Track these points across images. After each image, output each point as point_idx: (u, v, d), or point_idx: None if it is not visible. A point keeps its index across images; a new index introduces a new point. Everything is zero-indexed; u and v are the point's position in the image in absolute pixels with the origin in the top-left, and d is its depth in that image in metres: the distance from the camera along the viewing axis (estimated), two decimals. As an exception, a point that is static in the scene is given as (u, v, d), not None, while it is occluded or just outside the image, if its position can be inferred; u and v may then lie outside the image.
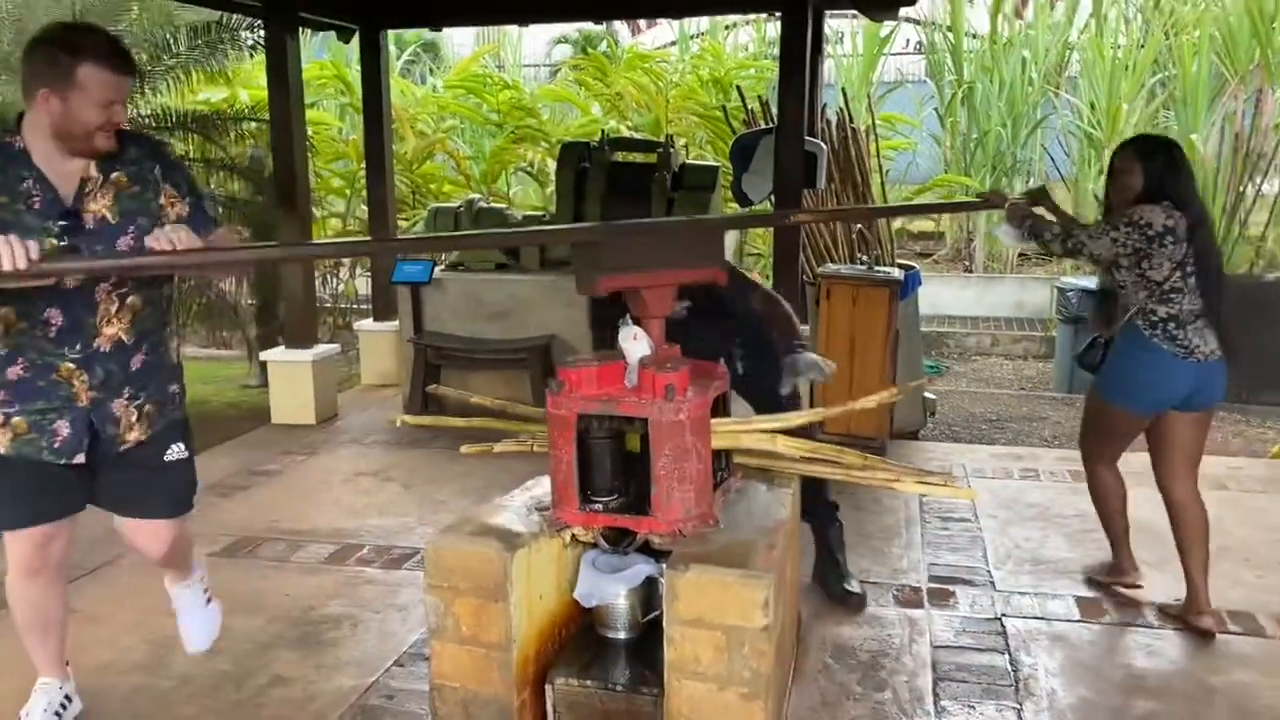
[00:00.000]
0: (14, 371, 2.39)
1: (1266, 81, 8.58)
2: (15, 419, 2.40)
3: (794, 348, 3.18)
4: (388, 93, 6.84)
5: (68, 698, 2.77)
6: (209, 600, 3.02)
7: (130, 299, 2.44)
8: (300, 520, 4.39)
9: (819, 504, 3.53)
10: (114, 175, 2.40)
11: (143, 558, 2.78)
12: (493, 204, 6.92)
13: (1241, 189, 8.38)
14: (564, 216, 6.14)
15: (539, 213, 7.03)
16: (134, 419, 2.50)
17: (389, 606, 3.55)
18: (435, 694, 2.53)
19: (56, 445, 2.43)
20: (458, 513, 3.29)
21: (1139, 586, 3.66)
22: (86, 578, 3.71)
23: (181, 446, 2.64)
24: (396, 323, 6.42)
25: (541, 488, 2.74)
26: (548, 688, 2.48)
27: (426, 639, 2.62)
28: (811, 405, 4.49)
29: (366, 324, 7.10)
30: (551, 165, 8.39)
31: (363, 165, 7.57)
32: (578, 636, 2.67)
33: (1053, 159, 11.40)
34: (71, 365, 2.41)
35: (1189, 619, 3.37)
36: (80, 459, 2.46)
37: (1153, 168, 3.27)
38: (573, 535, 2.58)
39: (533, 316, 5.93)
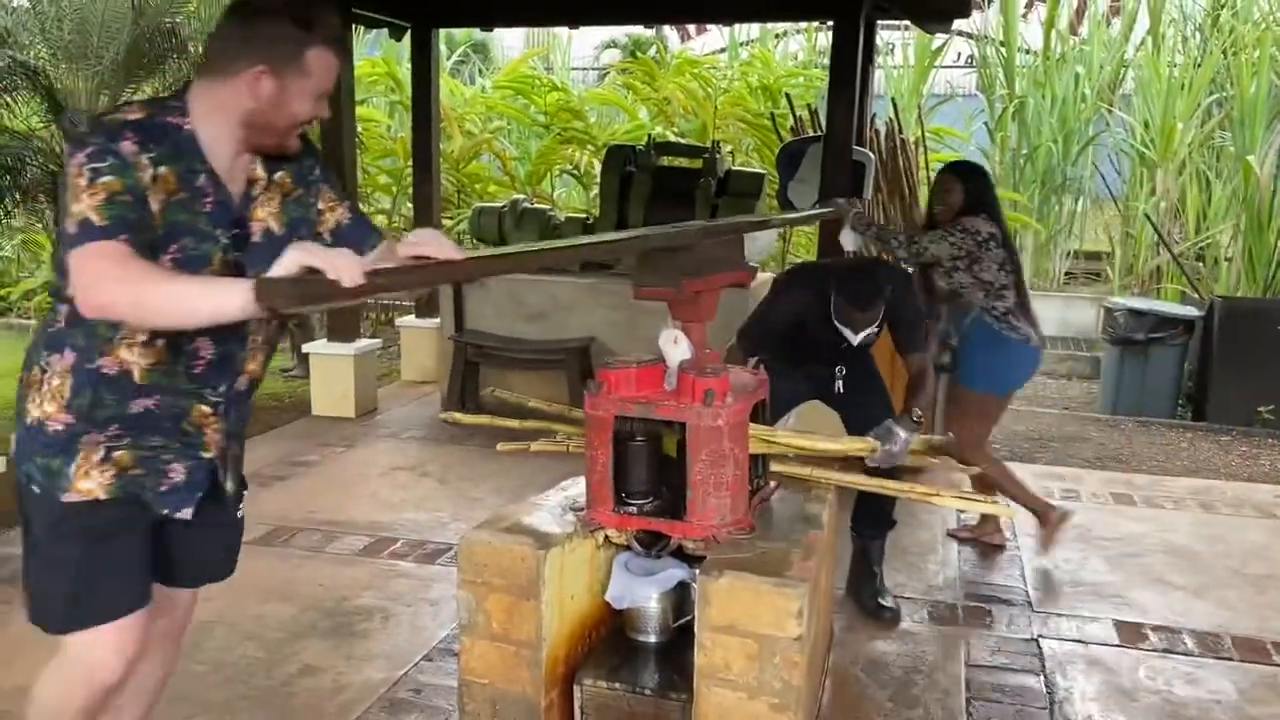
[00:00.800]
0: (141, 404, 1.85)
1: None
2: (118, 452, 1.85)
3: (906, 416, 3.11)
4: (437, 92, 6.88)
5: None
6: None
7: (272, 325, 2.00)
8: (336, 511, 4.42)
9: (880, 518, 3.51)
10: (278, 176, 1.95)
11: (164, 642, 2.16)
12: (536, 205, 6.95)
13: (1300, 212, 8.23)
14: (608, 220, 6.15)
15: (582, 215, 7.04)
16: (231, 469, 2.05)
17: (421, 601, 3.56)
18: (463, 690, 2.53)
19: (164, 490, 1.91)
20: (492, 510, 3.30)
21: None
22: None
23: (245, 495, 2.17)
24: (438, 320, 6.46)
25: (577, 488, 2.74)
26: (576, 689, 2.48)
27: (457, 635, 2.62)
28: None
29: (408, 320, 7.16)
30: (597, 168, 8.41)
31: (410, 163, 7.63)
32: (608, 639, 2.66)
33: (1103, 177, 11.24)
34: (208, 409, 1.93)
35: (1048, 531, 3.99)
36: (186, 514, 1.94)
37: (971, 187, 3.86)
38: (606, 536, 2.58)
39: (573, 318, 5.94)
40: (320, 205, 2.03)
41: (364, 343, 6.21)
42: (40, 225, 7.45)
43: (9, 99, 6.05)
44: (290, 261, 1.57)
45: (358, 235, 2.04)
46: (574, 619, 2.57)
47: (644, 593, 2.54)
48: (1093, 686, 3.10)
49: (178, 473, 1.91)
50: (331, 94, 1.93)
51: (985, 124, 11.47)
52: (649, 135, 7.43)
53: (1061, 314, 9.97)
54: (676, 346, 2.50)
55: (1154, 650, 3.33)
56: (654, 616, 2.57)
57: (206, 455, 1.95)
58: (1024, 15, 12.17)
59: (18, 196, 6.08)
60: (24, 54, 6.08)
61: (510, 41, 16.08)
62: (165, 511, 1.93)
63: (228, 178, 1.85)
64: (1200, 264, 9.67)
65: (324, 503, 4.54)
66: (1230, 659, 3.27)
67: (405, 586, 3.68)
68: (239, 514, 2.13)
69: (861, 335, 3.25)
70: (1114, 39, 11.60)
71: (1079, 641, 3.38)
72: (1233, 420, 6.67)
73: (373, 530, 4.21)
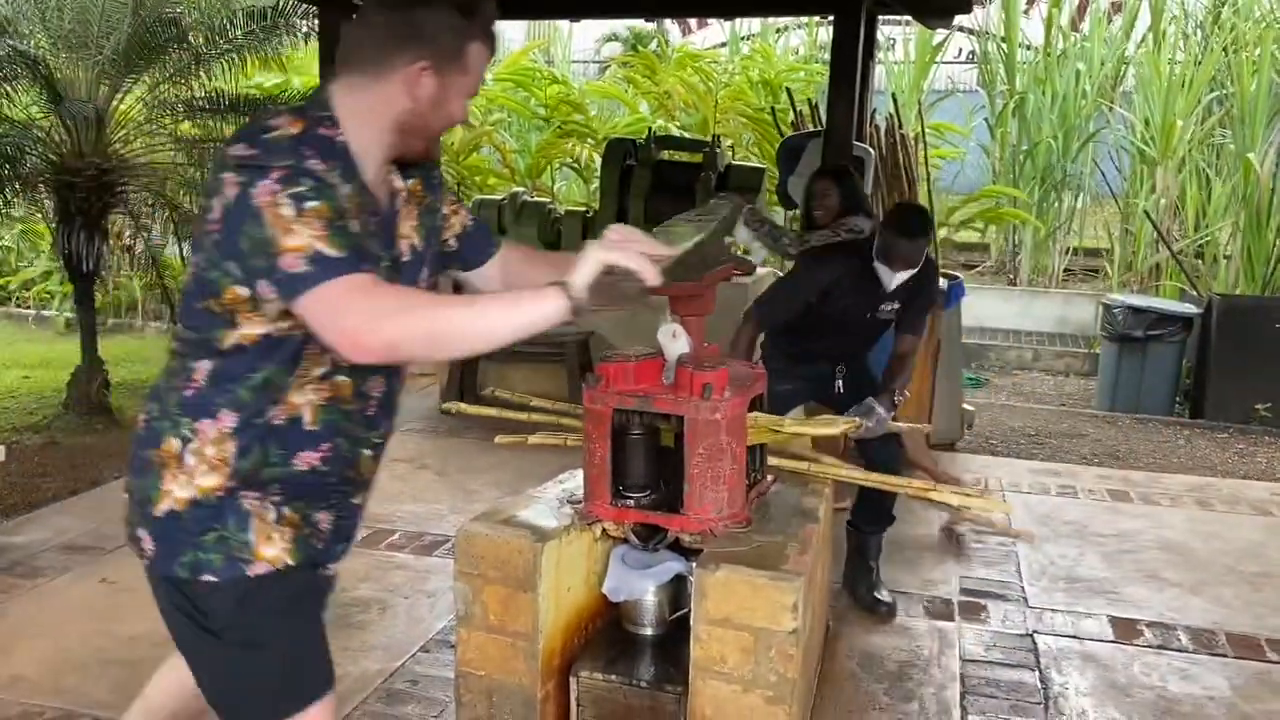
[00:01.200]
0: (308, 458, 1.63)
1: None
2: (286, 509, 1.65)
3: (887, 395, 3.37)
4: (438, 84, 6.86)
5: None
6: None
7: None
8: (334, 503, 4.42)
9: (880, 514, 3.53)
10: (410, 183, 1.72)
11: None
12: (536, 198, 6.95)
13: (1299, 210, 8.22)
14: (608, 214, 6.15)
15: (582, 208, 7.05)
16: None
17: (418, 592, 3.57)
18: (460, 681, 2.54)
19: (320, 545, 1.72)
20: (490, 502, 3.30)
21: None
22: (121, 549, 3.76)
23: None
24: (437, 312, 6.45)
25: (574, 481, 2.74)
26: (572, 680, 2.49)
27: (453, 626, 2.63)
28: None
29: (407, 312, 7.14)
30: (597, 162, 8.41)
31: (410, 155, 7.62)
32: (604, 631, 2.67)
33: (1103, 174, 11.23)
34: (369, 454, 1.74)
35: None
36: (333, 569, 1.81)
37: (846, 189, 4.02)
38: (603, 529, 2.58)
39: (572, 311, 5.94)
40: (445, 210, 1.83)
41: (363, 335, 6.20)
42: (39, 215, 7.43)
43: (9, 88, 6.03)
44: (595, 261, 1.48)
45: (481, 240, 1.88)
46: (570, 611, 2.57)
47: (640, 586, 2.54)
48: (1087, 682, 3.11)
49: (326, 522, 1.71)
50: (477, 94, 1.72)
51: (985, 120, 11.46)
52: (649, 129, 7.43)
53: (1060, 310, 9.98)
54: (675, 340, 2.50)
55: (1149, 646, 3.34)
56: (650, 609, 2.58)
57: (354, 502, 1.78)
58: (1025, 11, 12.15)
59: (17, 186, 6.07)
60: (24, 43, 6.06)
61: (511, 34, 16.00)
62: (327, 567, 1.76)
63: (376, 192, 1.62)
64: (1199, 261, 9.66)
65: (322, 494, 4.55)
66: (1225, 655, 3.29)
67: (402, 578, 3.69)
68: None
69: (899, 279, 3.33)
70: (1115, 36, 11.57)
71: (1074, 637, 3.39)
72: (1230, 418, 6.68)
73: (370, 522, 4.18)
